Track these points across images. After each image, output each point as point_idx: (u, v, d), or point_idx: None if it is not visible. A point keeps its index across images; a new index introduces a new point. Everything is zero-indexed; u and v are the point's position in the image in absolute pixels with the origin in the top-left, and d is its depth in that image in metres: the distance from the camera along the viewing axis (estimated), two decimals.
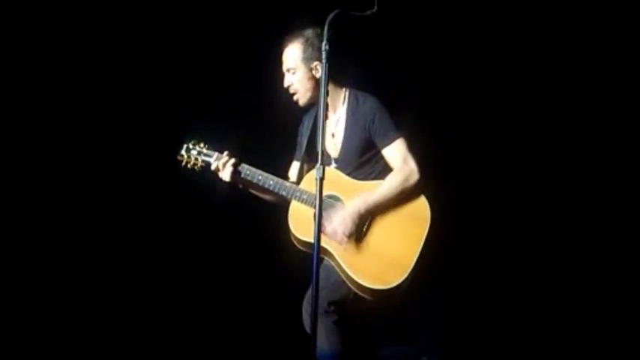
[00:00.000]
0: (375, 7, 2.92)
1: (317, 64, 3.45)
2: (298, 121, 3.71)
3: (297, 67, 3.47)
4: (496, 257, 4.28)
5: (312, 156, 3.57)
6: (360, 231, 3.35)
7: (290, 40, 3.51)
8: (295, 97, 3.52)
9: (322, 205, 2.86)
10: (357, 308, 3.39)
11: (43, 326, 4.40)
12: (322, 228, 3.28)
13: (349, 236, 3.32)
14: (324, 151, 3.36)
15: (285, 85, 3.53)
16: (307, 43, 3.46)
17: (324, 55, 2.89)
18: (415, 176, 3.35)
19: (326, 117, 2.96)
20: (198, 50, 4.50)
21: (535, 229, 4.28)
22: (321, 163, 2.86)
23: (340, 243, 3.33)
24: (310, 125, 3.60)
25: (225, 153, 3.55)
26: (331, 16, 2.88)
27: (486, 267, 4.27)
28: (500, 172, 4.31)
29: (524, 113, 4.30)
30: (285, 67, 3.52)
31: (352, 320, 3.41)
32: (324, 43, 2.88)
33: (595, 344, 4.11)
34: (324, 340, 3.31)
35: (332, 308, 3.34)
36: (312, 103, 3.54)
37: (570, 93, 4.26)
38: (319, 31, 3.35)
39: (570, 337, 4.17)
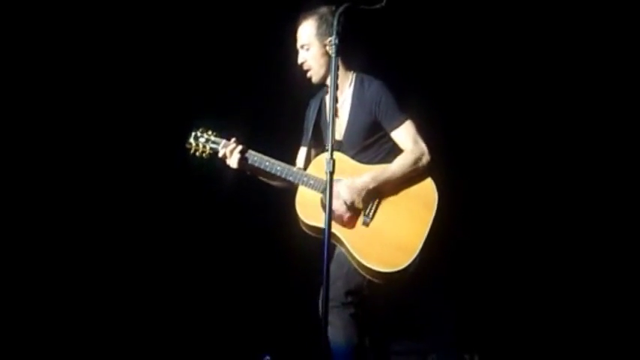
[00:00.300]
0: (384, 1, 2.91)
1: (331, 39, 3.40)
2: (305, 106, 3.71)
3: (311, 43, 3.46)
4: (504, 246, 4.30)
5: (319, 141, 3.61)
6: (367, 213, 3.36)
7: (304, 17, 3.50)
8: (309, 74, 3.51)
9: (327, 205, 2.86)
10: (370, 302, 3.41)
11: (43, 326, 4.43)
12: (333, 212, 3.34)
13: (354, 209, 3.33)
14: (326, 136, 3.47)
15: (299, 61, 3.51)
16: (322, 19, 3.46)
17: (333, 49, 2.89)
18: (427, 157, 3.36)
19: (336, 111, 2.96)
20: (205, 39, 4.49)
21: (544, 218, 4.30)
22: (331, 158, 2.87)
23: (344, 217, 3.34)
24: (317, 109, 3.61)
25: (233, 140, 3.56)
26: (341, 9, 2.89)
27: (494, 258, 4.29)
28: (506, 159, 4.33)
29: (535, 102, 4.30)
30: (299, 44, 3.50)
31: (365, 315, 3.43)
32: (333, 36, 2.89)
33: (602, 338, 4.17)
34: (340, 333, 3.33)
35: (349, 299, 3.36)
36: (324, 83, 3.53)
37: (578, 87, 4.26)
38: (333, 8, 3.35)
39: (578, 330, 4.22)
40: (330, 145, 2.89)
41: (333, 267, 3.32)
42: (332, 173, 2.87)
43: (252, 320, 4.62)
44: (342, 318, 3.34)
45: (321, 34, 3.45)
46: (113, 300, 4.54)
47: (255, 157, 3.53)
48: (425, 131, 3.42)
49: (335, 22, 2.89)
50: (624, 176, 4.26)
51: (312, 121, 3.60)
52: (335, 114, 2.92)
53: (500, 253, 4.30)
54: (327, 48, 3.43)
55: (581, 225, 4.29)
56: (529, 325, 4.26)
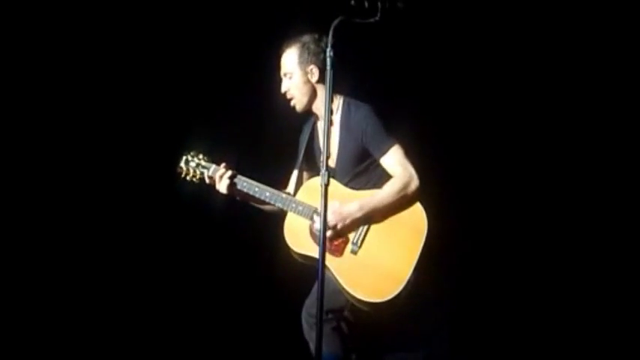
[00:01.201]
0: (379, 15, 2.94)
1: (312, 67, 3.46)
2: (298, 131, 3.71)
3: (294, 72, 3.48)
4: (496, 265, 4.26)
5: (310, 165, 3.61)
6: (355, 241, 3.34)
7: (287, 45, 3.53)
8: (292, 103, 3.52)
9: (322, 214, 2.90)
10: (358, 315, 3.38)
11: (43, 326, 4.38)
12: (316, 238, 3.32)
13: (340, 236, 3.30)
14: (319, 160, 3.45)
15: (282, 90, 3.53)
16: (304, 47, 3.48)
17: (328, 62, 2.89)
18: (415, 182, 3.34)
19: (331, 123, 2.97)
20: (197, 58, 4.49)
21: (535, 236, 4.27)
22: (326, 169, 2.87)
23: (331, 243, 3.30)
24: (308, 134, 3.60)
25: (222, 165, 3.55)
26: (335, 22, 2.90)
27: (487, 276, 4.25)
28: (497, 181, 4.30)
29: (520, 121, 4.29)
30: (282, 72, 3.53)
31: (354, 326, 3.40)
32: (328, 49, 2.89)
33: (602, 348, 4.11)
34: (324, 349, 3.24)
35: (330, 316, 3.34)
36: (310, 110, 3.54)
37: (568, 98, 4.26)
38: (316, 36, 3.47)
39: (575, 345, 4.17)
40: (324, 157, 2.88)
41: (316, 285, 3.27)
42: (327, 186, 2.87)
43: (239, 338, 4.55)
44: (324, 332, 3.25)
45: (303, 62, 3.47)
46: (111, 305, 4.49)
47: (244, 183, 3.51)
48: (415, 155, 3.41)
49: (330, 35, 2.89)
50: (617, 189, 4.25)
51: (304, 146, 3.60)
52: (329, 126, 2.91)
53: (495, 263, 4.26)
54: (310, 76, 3.46)
55: (577, 247, 4.25)
56: (525, 335, 4.20)
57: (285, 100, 3.54)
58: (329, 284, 3.31)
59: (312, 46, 3.46)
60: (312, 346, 3.36)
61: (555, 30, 4.20)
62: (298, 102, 3.51)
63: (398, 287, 3.23)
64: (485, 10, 4.22)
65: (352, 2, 2.91)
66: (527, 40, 4.23)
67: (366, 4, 2.94)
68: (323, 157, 2.90)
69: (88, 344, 4.42)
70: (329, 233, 3.29)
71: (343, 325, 3.39)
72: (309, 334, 3.39)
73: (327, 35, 2.89)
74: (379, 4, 2.95)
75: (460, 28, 4.24)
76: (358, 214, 3.32)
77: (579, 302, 4.19)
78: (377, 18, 2.94)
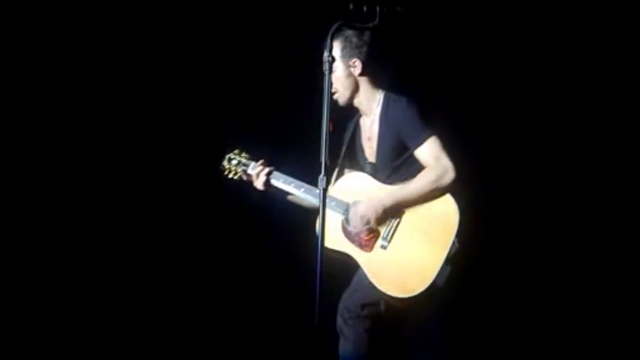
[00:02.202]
0: (377, 20, 2.95)
1: (356, 60, 3.46)
2: (342, 128, 3.71)
3: (336, 65, 3.45)
4: (522, 268, 4.22)
5: (352, 163, 3.62)
6: (385, 236, 3.31)
7: (331, 39, 3.52)
8: (335, 97, 3.50)
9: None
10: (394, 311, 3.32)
11: (44, 326, 4.44)
12: (347, 233, 3.34)
13: (371, 229, 3.29)
14: (361, 157, 3.53)
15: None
16: (346, 40, 3.47)
17: (326, 66, 2.89)
18: (450, 174, 3.28)
19: (332, 128, 2.96)
20: (235, 54, 4.56)
21: (568, 238, 4.22)
22: (324, 174, 2.85)
23: (362, 237, 3.29)
24: (351, 131, 3.62)
25: (260, 162, 3.61)
26: (334, 27, 2.91)
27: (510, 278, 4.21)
28: (530, 179, 4.27)
29: (551, 120, 4.27)
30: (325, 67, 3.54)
31: (387, 323, 3.35)
32: (325, 54, 2.89)
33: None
34: (350, 347, 3.27)
35: (365, 312, 3.29)
36: (352, 105, 3.54)
37: (579, 97, 4.23)
38: (359, 32, 3.45)
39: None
40: (322, 164, 2.87)
41: (355, 278, 3.34)
42: (325, 190, 2.85)
43: (263, 335, 4.58)
44: (355, 331, 3.28)
45: (346, 55, 3.48)
46: (121, 301, 4.57)
47: (281, 179, 3.58)
48: (452, 149, 3.35)
49: (328, 40, 2.89)
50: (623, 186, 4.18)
51: (346, 143, 3.61)
52: (330, 130, 2.90)
53: (516, 271, 4.22)
54: (352, 69, 3.47)
55: (606, 249, 4.19)
56: (528, 344, 4.14)
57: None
58: (364, 279, 3.33)
59: (354, 40, 3.46)
60: (340, 338, 3.33)
61: (558, 29, 4.21)
62: (341, 95, 3.51)
63: (425, 283, 3.18)
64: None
65: (351, 7, 2.91)
66: (537, 39, 4.23)
67: (365, 8, 2.94)
68: (322, 160, 2.88)
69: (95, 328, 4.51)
70: (360, 227, 3.30)
71: (375, 326, 3.32)
72: (342, 328, 3.34)
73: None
74: (378, 8, 2.96)
75: (478, 26, 4.27)
76: (389, 203, 3.30)
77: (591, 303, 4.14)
78: (376, 22, 2.94)
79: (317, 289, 2.75)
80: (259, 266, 4.64)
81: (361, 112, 3.57)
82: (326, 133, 2.90)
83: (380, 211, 3.29)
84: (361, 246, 3.32)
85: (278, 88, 4.48)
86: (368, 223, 3.30)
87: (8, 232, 4.44)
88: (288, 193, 3.61)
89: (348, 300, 3.34)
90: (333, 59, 2.91)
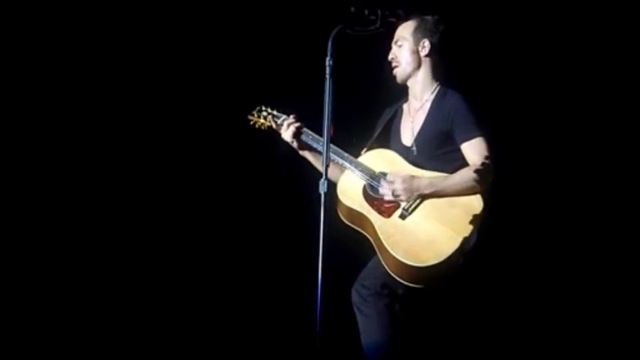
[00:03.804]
0: (379, 24, 2.95)
1: (426, 41, 3.45)
2: (378, 115, 3.71)
3: (406, 40, 3.45)
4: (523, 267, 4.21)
5: (383, 145, 3.57)
6: (407, 208, 3.29)
7: (404, 18, 3.50)
8: (395, 71, 3.50)
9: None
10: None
11: (44, 326, 4.41)
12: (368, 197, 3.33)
13: (395, 199, 3.28)
14: (394, 139, 3.52)
15: (390, 57, 3.50)
16: (422, 21, 3.47)
17: (327, 71, 2.88)
18: (490, 178, 3.27)
19: (333, 130, 2.96)
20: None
21: (568, 238, 4.20)
22: (326, 178, 2.84)
23: (385, 205, 3.29)
24: (391, 114, 3.62)
25: (292, 116, 3.60)
26: (334, 31, 2.90)
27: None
28: (530, 180, 4.25)
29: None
30: (394, 40, 3.50)
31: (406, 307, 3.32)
32: (327, 58, 2.89)
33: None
34: (374, 324, 3.24)
35: (385, 291, 3.26)
36: (405, 85, 3.53)
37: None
38: (436, 17, 3.48)
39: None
40: (324, 168, 2.87)
41: (374, 260, 3.31)
42: (326, 194, 2.84)
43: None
44: (376, 308, 3.24)
45: (418, 34, 3.46)
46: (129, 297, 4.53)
47: (309, 136, 3.54)
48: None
49: (329, 44, 2.89)
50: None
51: (382, 125, 3.60)
52: (331, 133, 2.89)
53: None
54: (420, 49, 3.46)
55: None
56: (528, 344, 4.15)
57: (389, 68, 3.51)
58: (370, 266, 3.32)
59: (429, 24, 3.47)
60: (358, 316, 3.30)
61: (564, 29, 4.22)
62: (401, 70, 3.49)
63: (438, 258, 3.14)
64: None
65: (352, 10, 2.91)
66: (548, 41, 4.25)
67: (366, 12, 2.94)
68: (324, 164, 2.87)
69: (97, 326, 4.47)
70: (391, 197, 3.29)
71: (395, 303, 3.29)
72: (358, 305, 3.31)
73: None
74: (379, 12, 2.95)
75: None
76: (426, 191, 3.28)
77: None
78: (377, 26, 2.94)
79: (318, 289, 2.75)
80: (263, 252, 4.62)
81: (411, 94, 3.55)
82: (327, 137, 2.90)
83: (415, 195, 3.28)
84: (379, 211, 3.31)
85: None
86: (397, 197, 3.28)
87: (8, 232, 4.41)
88: (311, 152, 3.58)
89: (367, 278, 3.33)
90: (332, 60, 2.88)
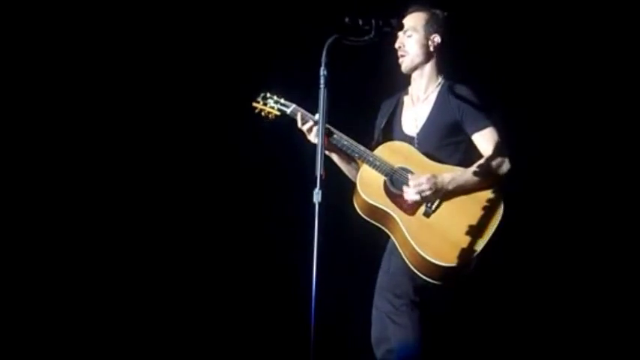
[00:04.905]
0: (373, 34, 2.95)
1: (436, 36, 3.48)
2: (377, 109, 3.72)
3: (417, 30, 3.48)
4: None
5: (387, 140, 3.56)
6: (430, 205, 3.31)
7: (418, 8, 3.54)
8: (401, 60, 3.51)
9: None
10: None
11: (44, 326, 4.47)
12: (390, 193, 3.32)
13: (423, 199, 3.28)
14: (396, 133, 3.52)
15: (397, 45, 3.51)
16: (434, 15, 3.51)
17: (322, 80, 2.88)
18: (507, 165, 3.32)
19: (326, 137, 2.94)
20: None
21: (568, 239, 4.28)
22: (320, 188, 2.83)
23: (404, 200, 3.29)
24: (392, 106, 3.62)
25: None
26: (329, 41, 2.89)
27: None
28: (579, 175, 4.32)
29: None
30: (404, 29, 3.48)
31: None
32: (321, 68, 2.88)
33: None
34: (411, 335, 3.23)
35: (418, 298, 3.27)
36: (409, 77, 3.55)
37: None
38: (447, 14, 3.52)
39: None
40: (318, 178, 2.86)
41: (396, 261, 3.32)
42: (320, 204, 2.83)
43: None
44: (411, 318, 3.25)
45: (430, 27, 3.49)
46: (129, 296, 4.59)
47: (336, 135, 3.47)
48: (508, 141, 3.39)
49: (324, 55, 2.88)
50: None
51: (385, 119, 3.61)
52: (325, 143, 2.89)
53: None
54: (430, 42, 3.49)
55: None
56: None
57: (395, 56, 3.52)
58: (403, 264, 3.30)
59: (440, 20, 3.51)
60: (390, 326, 3.29)
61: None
62: (408, 60, 3.50)
63: (465, 258, 3.20)
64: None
65: (347, 20, 2.91)
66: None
67: (361, 22, 2.94)
68: (318, 173, 2.86)
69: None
70: (415, 198, 3.28)
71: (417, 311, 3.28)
72: (391, 315, 3.30)
73: None
74: (374, 22, 2.95)
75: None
76: (450, 187, 3.30)
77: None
78: (372, 36, 2.94)
79: (312, 302, 2.76)
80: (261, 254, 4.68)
81: (415, 85, 3.57)
82: (321, 146, 2.89)
83: (441, 192, 3.29)
84: (403, 208, 3.32)
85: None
86: (425, 197, 3.29)
87: (8, 232, 4.46)
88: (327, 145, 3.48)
89: (397, 286, 3.33)
90: (326, 71, 2.88)
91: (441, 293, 3.31)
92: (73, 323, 4.51)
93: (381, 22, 3.03)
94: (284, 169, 4.50)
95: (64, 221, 4.58)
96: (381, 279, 3.47)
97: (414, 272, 3.26)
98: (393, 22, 3.20)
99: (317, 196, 2.83)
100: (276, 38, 4.48)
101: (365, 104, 3.93)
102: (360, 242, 3.85)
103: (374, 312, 3.43)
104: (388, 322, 3.31)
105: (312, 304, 2.77)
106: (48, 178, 4.55)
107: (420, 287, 3.28)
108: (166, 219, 4.67)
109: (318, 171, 2.86)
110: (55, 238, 4.56)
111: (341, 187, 3.53)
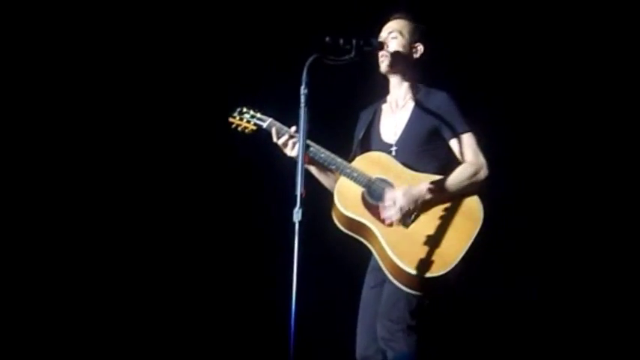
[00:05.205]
0: (353, 53, 2.96)
1: (420, 45, 3.48)
2: (355, 118, 3.71)
3: (402, 34, 3.46)
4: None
5: (365, 150, 3.55)
6: (408, 217, 3.29)
7: (403, 16, 3.53)
8: (382, 59, 3.47)
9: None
10: None
11: (44, 326, 4.48)
12: (368, 205, 3.30)
13: (403, 215, 3.25)
14: (375, 143, 3.50)
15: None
16: (419, 26, 3.51)
17: (302, 100, 2.88)
18: (485, 171, 3.31)
19: (307, 160, 2.94)
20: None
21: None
22: (300, 207, 2.83)
23: (389, 219, 3.26)
24: (370, 116, 3.61)
25: (294, 129, 3.48)
26: (309, 60, 2.90)
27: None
28: (553, 178, 4.36)
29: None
30: (387, 31, 3.48)
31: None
32: (302, 87, 2.89)
33: None
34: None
35: (414, 321, 3.23)
36: (387, 81, 3.54)
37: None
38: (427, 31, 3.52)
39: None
40: (298, 197, 2.86)
41: (390, 284, 3.25)
42: (301, 223, 2.83)
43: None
44: (407, 343, 3.20)
45: (414, 35, 3.48)
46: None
47: (314, 149, 3.44)
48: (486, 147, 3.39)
49: (304, 74, 2.89)
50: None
51: (364, 128, 3.59)
52: (305, 162, 2.89)
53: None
54: (413, 50, 3.48)
55: None
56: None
57: (375, 54, 3.44)
58: (396, 288, 3.25)
59: (424, 31, 3.52)
60: (388, 352, 3.25)
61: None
62: (387, 61, 3.45)
63: (445, 268, 3.16)
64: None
65: (327, 39, 2.92)
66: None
67: (342, 41, 2.94)
68: (298, 192, 2.86)
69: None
70: (394, 212, 3.25)
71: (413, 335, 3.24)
72: (387, 340, 3.25)
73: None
74: (354, 41, 2.96)
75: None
76: (428, 196, 3.27)
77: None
78: (352, 55, 2.95)
79: (292, 323, 2.74)
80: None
81: (394, 91, 3.56)
82: (301, 165, 2.89)
83: (419, 202, 3.26)
84: (380, 219, 3.29)
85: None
86: (404, 211, 3.26)
87: (7, 232, 4.48)
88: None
89: (392, 311, 3.27)
90: (307, 90, 2.88)
91: (437, 313, 3.30)
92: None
93: (361, 42, 3.06)
94: (265, 185, 4.48)
95: (40, 216, 4.59)
96: (366, 294, 3.45)
97: (408, 294, 3.22)
98: (374, 41, 3.24)
99: (297, 215, 2.82)
100: (257, 54, 4.49)
101: (344, 115, 3.91)
102: (342, 258, 3.84)
103: (359, 327, 3.42)
104: (383, 346, 3.28)
105: (292, 323, 2.76)
106: (32, 177, 4.57)
107: (416, 310, 3.24)
108: (150, 232, 4.67)
109: (298, 190, 2.86)
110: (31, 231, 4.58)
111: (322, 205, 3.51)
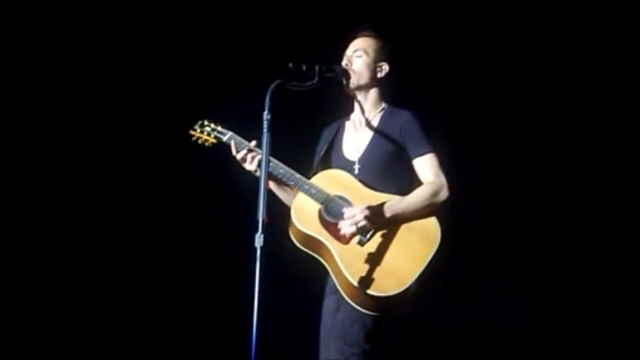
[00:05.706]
0: (316, 79, 2.98)
1: (385, 64, 3.47)
2: (318, 136, 3.70)
3: (367, 53, 3.45)
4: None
5: (326, 166, 3.54)
6: (364, 236, 3.26)
7: (370, 34, 3.53)
8: (348, 74, 3.45)
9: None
10: None
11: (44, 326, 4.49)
12: (324, 222, 3.28)
13: (360, 232, 3.23)
14: (336, 160, 3.50)
15: (344, 63, 3.46)
16: (386, 45, 3.51)
17: (265, 125, 2.89)
18: (446, 192, 3.30)
19: (268, 185, 2.94)
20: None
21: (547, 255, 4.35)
22: (262, 232, 2.82)
23: (338, 229, 3.25)
24: (332, 134, 3.60)
25: (254, 143, 3.46)
26: (273, 86, 2.91)
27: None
28: (511, 195, 4.40)
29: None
30: (353, 49, 3.48)
31: None
32: (265, 112, 2.89)
33: None
34: None
35: (369, 345, 3.20)
36: (351, 94, 3.50)
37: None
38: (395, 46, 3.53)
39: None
40: (260, 222, 2.86)
41: (346, 307, 3.23)
42: (262, 247, 2.83)
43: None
44: None
45: (380, 54, 3.48)
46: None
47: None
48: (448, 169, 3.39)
49: (267, 99, 2.89)
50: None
51: (326, 145, 3.57)
52: (266, 186, 2.89)
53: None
54: (377, 69, 3.47)
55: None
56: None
57: (340, 73, 3.40)
58: (348, 309, 3.23)
59: (390, 50, 3.51)
60: None
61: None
62: (354, 79, 3.44)
63: (398, 288, 3.13)
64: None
65: (290, 65, 2.93)
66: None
67: (304, 67, 2.96)
68: (260, 217, 2.86)
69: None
70: (351, 229, 3.22)
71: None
72: None
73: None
74: (317, 67, 2.98)
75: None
76: (386, 216, 3.25)
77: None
78: (315, 81, 2.96)
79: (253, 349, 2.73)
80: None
81: (358, 109, 3.54)
82: (264, 190, 2.89)
83: (376, 221, 3.24)
84: (337, 237, 3.27)
85: None
86: (361, 228, 3.23)
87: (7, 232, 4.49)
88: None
89: (347, 335, 3.24)
90: (270, 115, 2.89)
91: (392, 338, 3.29)
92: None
93: (324, 68, 3.08)
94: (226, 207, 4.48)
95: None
96: (325, 318, 3.42)
97: (364, 317, 3.21)
98: (337, 68, 3.26)
99: (259, 240, 2.82)
100: (220, 69, 4.49)
101: (305, 131, 3.90)
102: (304, 282, 3.84)
103: (322, 352, 3.37)
104: None
105: (253, 348, 2.76)
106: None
107: (371, 333, 3.22)
108: (109, 251, 4.67)
109: (260, 215, 2.86)
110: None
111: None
